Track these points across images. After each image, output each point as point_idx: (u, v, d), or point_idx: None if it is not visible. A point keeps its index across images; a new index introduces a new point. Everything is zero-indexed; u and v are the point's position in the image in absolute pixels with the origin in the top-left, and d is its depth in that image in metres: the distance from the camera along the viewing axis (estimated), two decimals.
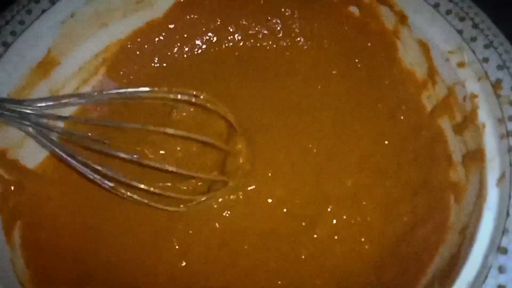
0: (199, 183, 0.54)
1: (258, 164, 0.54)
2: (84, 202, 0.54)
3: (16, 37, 0.50)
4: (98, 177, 0.48)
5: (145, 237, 0.52)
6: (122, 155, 0.47)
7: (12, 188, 0.50)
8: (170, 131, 0.47)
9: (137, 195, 0.50)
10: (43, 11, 0.51)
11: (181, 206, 0.52)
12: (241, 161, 0.53)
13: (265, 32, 0.61)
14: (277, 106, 0.57)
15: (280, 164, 0.54)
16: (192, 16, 0.59)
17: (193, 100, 0.50)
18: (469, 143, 0.48)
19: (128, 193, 0.50)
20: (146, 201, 0.50)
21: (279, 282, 0.50)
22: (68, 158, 0.47)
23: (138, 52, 0.59)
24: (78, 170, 0.48)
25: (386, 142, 0.55)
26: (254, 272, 0.50)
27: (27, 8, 0.51)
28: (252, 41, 0.61)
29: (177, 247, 0.51)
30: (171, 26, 0.59)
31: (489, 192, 0.43)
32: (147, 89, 0.49)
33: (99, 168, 0.47)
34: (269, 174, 0.54)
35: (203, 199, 0.52)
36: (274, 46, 0.61)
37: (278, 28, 0.60)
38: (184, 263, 0.51)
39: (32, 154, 0.53)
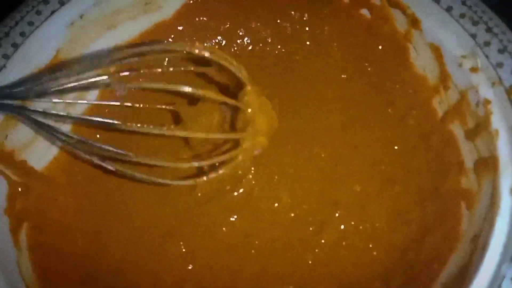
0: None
1: (264, 169, 0.53)
2: (91, 204, 0.54)
3: (25, 38, 0.50)
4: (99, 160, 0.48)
5: (151, 240, 0.52)
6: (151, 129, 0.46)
7: (20, 189, 0.50)
8: (186, 88, 0.46)
9: (146, 175, 0.48)
10: (52, 12, 0.51)
11: (196, 179, 0.49)
12: (249, 110, 0.50)
13: (274, 36, 0.60)
14: (285, 110, 0.56)
15: (287, 169, 0.54)
16: (201, 18, 0.59)
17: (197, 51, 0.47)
18: (481, 150, 0.47)
19: (137, 174, 0.48)
20: (158, 180, 0.48)
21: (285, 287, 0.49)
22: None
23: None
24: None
25: (396, 148, 0.54)
26: (260, 276, 0.50)
27: (36, 9, 0.51)
28: (261, 45, 0.60)
29: (183, 250, 0.51)
30: (180, 28, 0.59)
31: (502, 200, 0.43)
32: (147, 48, 0.49)
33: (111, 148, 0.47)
34: (276, 179, 0.53)
35: (220, 159, 0.49)
36: (283, 50, 0.60)
37: (288, 31, 0.60)
38: (190, 267, 0.50)
39: (39, 156, 0.53)
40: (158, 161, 0.49)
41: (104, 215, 0.53)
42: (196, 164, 0.50)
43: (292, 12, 0.59)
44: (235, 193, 0.53)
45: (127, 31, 0.57)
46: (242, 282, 0.50)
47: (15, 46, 0.50)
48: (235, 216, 0.52)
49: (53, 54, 0.52)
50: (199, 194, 0.53)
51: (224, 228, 0.52)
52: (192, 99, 0.54)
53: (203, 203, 0.52)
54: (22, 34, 0.50)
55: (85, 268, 0.50)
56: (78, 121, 0.55)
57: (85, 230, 0.52)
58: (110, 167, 0.48)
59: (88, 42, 0.54)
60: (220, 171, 0.49)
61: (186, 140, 0.53)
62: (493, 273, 0.40)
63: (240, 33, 0.60)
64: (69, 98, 0.51)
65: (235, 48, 0.61)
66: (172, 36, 0.59)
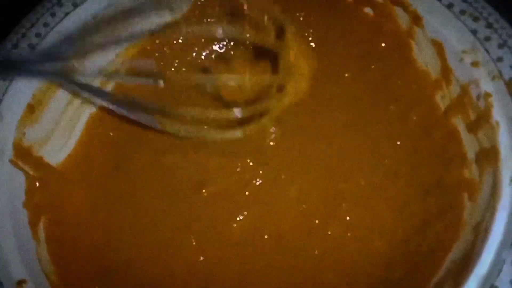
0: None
1: (272, 167, 0.54)
2: (104, 200, 0.55)
3: (41, 39, 0.51)
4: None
5: (162, 234, 0.53)
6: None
7: (37, 184, 0.51)
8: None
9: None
10: (66, 14, 0.53)
11: (245, 128, 0.48)
12: (291, 56, 0.49)
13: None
14: (291, 109, 0.57)
15: (293, 165, 0.55)
16: (209, 20, 0.60)
17: None
18: (483, 142, 0.48)
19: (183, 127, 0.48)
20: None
21: (293, 277, 0.51)
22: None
23: (156, 54, 0.60)
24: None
25: (398, 143, 0.55)
26: (269, 267, 0.51)
27: (51, 11, 0.53)
28: None
29: (194, 243, 0.52)
30: (189, 30, 0.60)
31: (503, 191, 0.44)
32: None
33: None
34: (283, 176, 0.54)
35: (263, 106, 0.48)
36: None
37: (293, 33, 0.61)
38: (201, 258, 0.52)
39: (54, 152, 0.55)
40: (198, 111, 0.48)
41: (117, 210, 0.54)
42: (237, 111, 0.47)
43: (297, 14, 0.60)
44: (246, 193, 0.54)
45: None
46: (252, 273, 0.51)
47: (32, 46, 0.51)
48: (245, 213, 0.53)
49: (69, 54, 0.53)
50: (205, 194, 0.54)
51: (234, 224, 0.53)
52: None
53: (211, 203, 0.54)
54: (38, 35, 0.52)
55: (100, 260, 0.52)
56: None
57: (99, 224, 0.54)
58: (153, 124, 0.49)
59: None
60: (264, 119, 0.48)
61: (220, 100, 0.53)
62: (494, 258, 0.41)
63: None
64: None
65: (242, 49, 0.61)
66: (182, 37, 0.60)
